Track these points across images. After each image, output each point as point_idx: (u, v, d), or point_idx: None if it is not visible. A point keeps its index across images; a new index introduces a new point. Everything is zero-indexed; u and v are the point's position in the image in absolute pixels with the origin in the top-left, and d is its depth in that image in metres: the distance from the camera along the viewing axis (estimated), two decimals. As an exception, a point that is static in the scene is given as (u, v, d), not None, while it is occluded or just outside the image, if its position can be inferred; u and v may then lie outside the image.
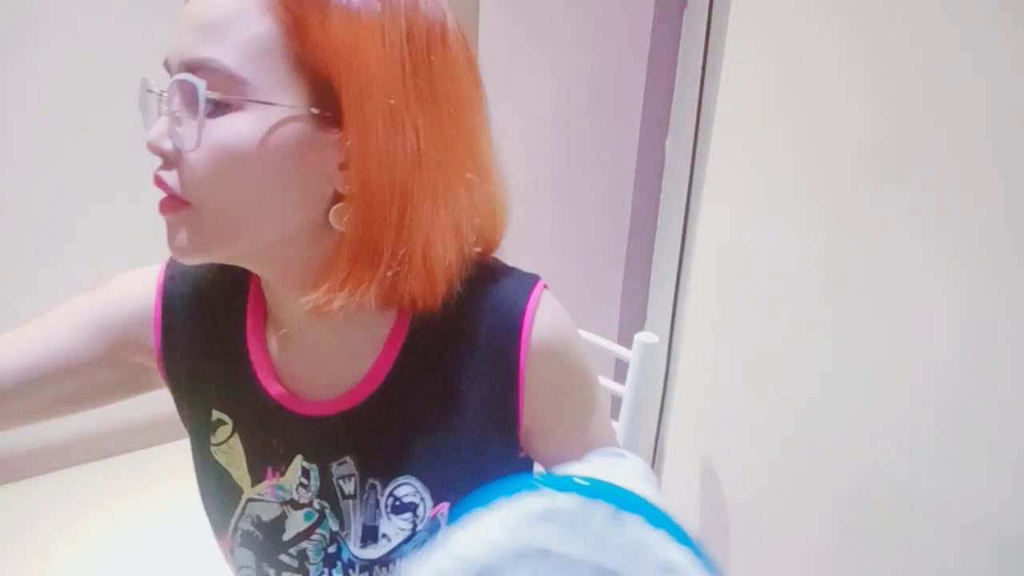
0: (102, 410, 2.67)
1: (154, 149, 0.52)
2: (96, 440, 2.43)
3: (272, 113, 0.50)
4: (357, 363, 0.63)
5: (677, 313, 1.67)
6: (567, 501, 0.40)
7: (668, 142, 1.67)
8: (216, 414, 0.66)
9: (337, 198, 0.55)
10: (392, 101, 0.51)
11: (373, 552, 0.63)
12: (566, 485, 0.43)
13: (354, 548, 0.64)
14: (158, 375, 0.70)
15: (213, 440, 0.67)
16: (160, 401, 2.74)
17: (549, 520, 0.39)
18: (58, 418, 0.68)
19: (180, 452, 2.78)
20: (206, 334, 0.66)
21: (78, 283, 2.47)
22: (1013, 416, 1.16)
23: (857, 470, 1.37)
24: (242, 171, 0.51)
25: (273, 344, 0.65)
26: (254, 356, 0.64)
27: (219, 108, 0.50)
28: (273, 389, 0.64)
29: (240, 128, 0.50)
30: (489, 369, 0.62)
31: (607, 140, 2.27)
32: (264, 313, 0.66)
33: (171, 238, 0.54)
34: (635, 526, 0.40)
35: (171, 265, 0.69)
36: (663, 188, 1.69)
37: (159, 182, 0.53)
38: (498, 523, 0.40)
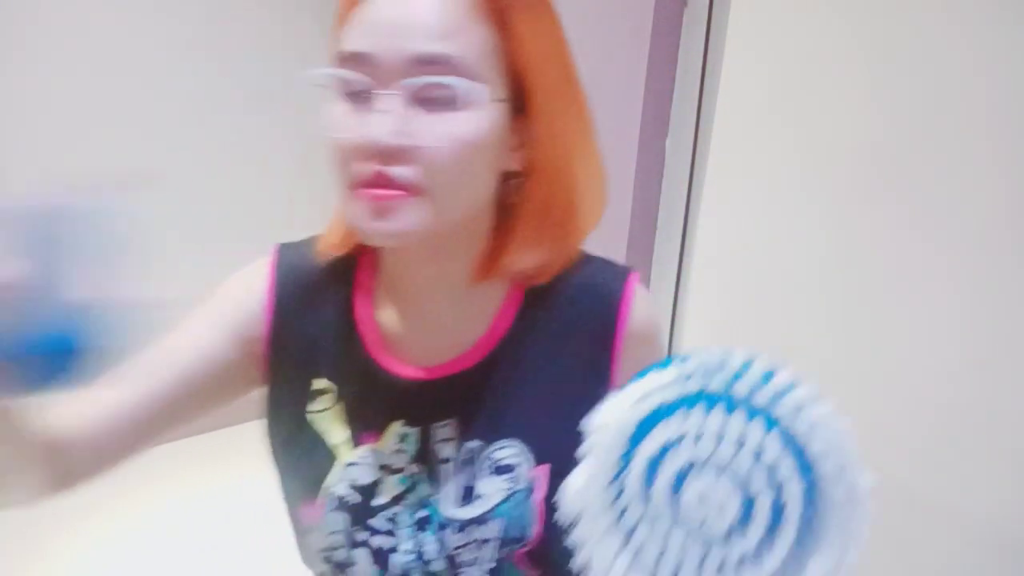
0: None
1: (385, 147, 0.54)
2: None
3: (492, 106, 0.57)
4: (469, 330, 0.68)
5: (677, 313, 1.67)
6: (691, 363, 0.42)
7: (668, 142, 1.67)
8: (319, 383, 0.69)
9: (506, 176, 0.63)
10: (561, 88, 0.61)
11: (471, 511, 0.66)
12: (685, 357, 0.45)
13: (450, 509, 0.67)
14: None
15: (311, 408, 0.69)
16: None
17: (683, 375, 0.41)
18: (195, 421, 0.72)
19: (180, 452, 2.80)
20: (315, 309, 0.70)
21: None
22: (1013, 416, 1.16)
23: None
24: (474, 159, 0.57)
25: (383, 314, 0.69)
26: (363, 326, 0.69)
27: (451, 103, 0.55)
28: (381, 357, 0.68)
29: (476, 121, 0.56)
30: (591, 344, 0.69)
31: (607, 140, 2.26)
32: (372, 286, 0.70)
33: (381, 223, 0.56)
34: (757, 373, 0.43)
35: (282, 252, 0.72)
36: (663, 188, 1.70)
37: (382, 177, 0.55)
38: (634, 391, 0.43)
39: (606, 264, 0.73)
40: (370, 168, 0.55)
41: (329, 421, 0.69)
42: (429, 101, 0.55)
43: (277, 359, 0.71)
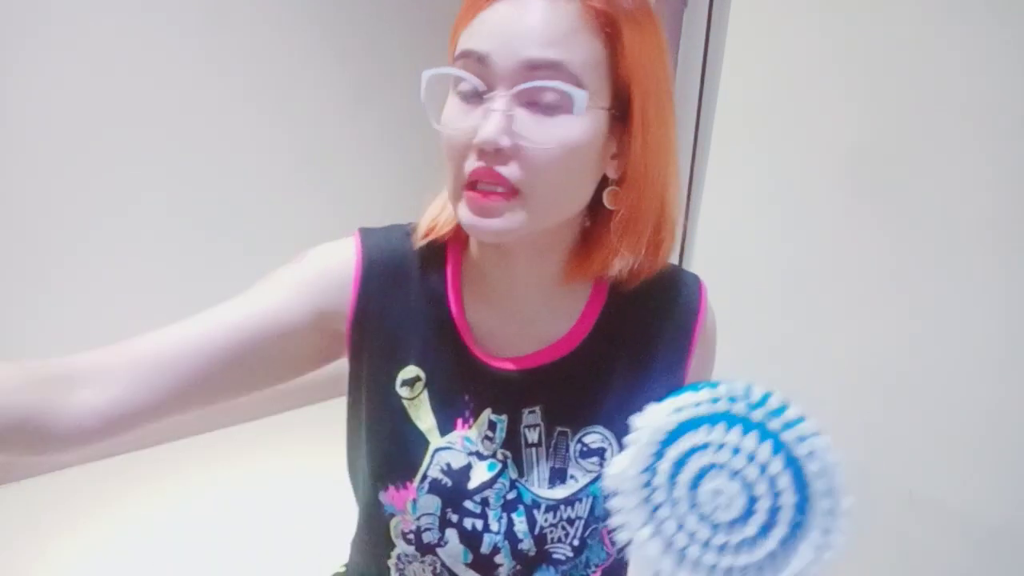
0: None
1: (492, 144, 0.57)
2: (96, 440, 2.43)
3: (597, 116, 0.60)
4: (557, 324, 0.73)
5: (677, 313, 1.66)
6: (721, 389, 0.52)
7: (668, 142, 1.66)
8: (410, 369, 0.72)
9: (603, 182, 0.66)
10: (662, 101, 0.63)
11: (560, 492, 0.71)
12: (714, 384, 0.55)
13: (539, 490, 0.71)
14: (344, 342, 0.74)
15: (405, 394, 0.72)
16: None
17: (712, 398, 0.51)
18: (257, 391, 0.72)
19: (180, 452, 2.78)
20: (403, 296, 0.72)
21: (79, 281, 2.44)
22: (1013, 415, 1.16)
23: (857, 469, 1.36)
24: (574, 164, 0.60)
25: (473, 306, 0.73)
26: (455, 317, 0.72)
27: (557, 108, 0.58)
28: (473, 347, 0.72)
29: (581, 128, 0.59)
30: (670, 343, 0.75)
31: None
32: (461, 278, 0.73)
33: (485, 220, 0.60)
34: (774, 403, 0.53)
35: (367, 235, 0.74)
36: (663, 188, 1.69)
37: (490, 174, 0.58)
38: (672, 404, 0.52)
39: (681, 270, 0.78)
40: (478, 165, 0.58)
41: (420, 407, 0.72)
42: (537, 104, 0.58)
43: (360, 339, 0.72)
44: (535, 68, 0.57)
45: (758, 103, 1.43)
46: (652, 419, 0.52)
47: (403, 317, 0.72)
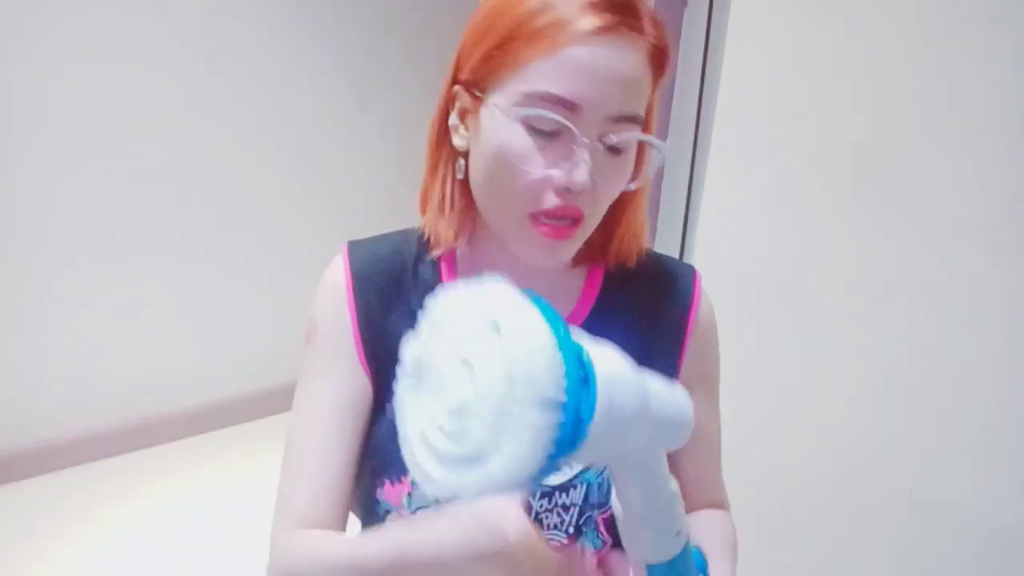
0: (102, 410, 2.67)
1: (585, 186, 0.61)
2: (96, 440, 2.43)
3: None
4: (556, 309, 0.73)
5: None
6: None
7: (668, 142, 1.67)
8: None
9: None
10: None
11: (555, 478, 0.72)
12: None
13: None
14: None
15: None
16: (159, 401, 2.74)
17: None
18: None
19: (180, 452, 2.79)
20: (403, 300, 0.74)
21: (75, 278, 2.44)
22: (1014, 415, 1.16)
23: (857, 470, 1.37)
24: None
25: None
26: None
27: (625, 151, 0.64)
28: None
29: (634, 164, 0.66)
30: (665, 330, 0.77)
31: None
32: (457, 272, 0.76)
33: (552, 253, 0.66)
34: None
35: (353, 248, 0.76)
36: (663, 188, 1.70)
37: (574, 211, 0.63)
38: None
39: (675, 261, 0.82)
40: (558, 203, 0.63)
41: None
42: (613, 150, 0.63)
43: (367, 336, 0.73)
44: (622, 120, 0.62)
45: (758, 103, 1.43)
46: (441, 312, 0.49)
47: (400, 318, 0.73)
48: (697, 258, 1.60)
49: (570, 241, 0.65)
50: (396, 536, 0.57)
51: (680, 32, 1.61)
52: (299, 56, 2.69)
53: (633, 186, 0.68)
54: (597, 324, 0.74)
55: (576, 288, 0.76)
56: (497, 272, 0.72)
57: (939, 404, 1.24)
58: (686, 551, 0.54)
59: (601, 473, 0.72)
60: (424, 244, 0.75)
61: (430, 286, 0.73)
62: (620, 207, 0.72)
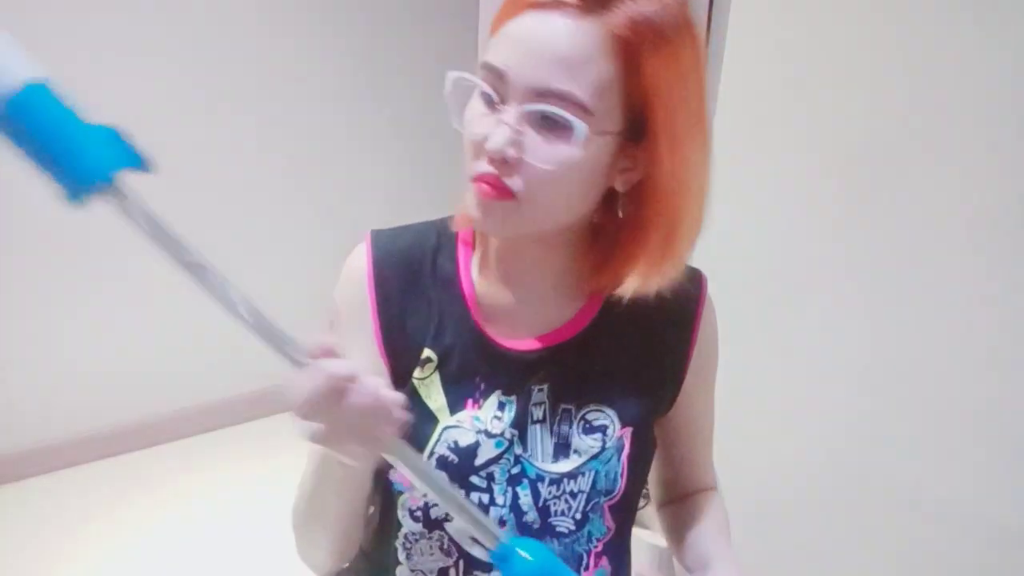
0: (102, 410, 2.67)
1: (498, 154, 0.61)
2: (97, 440, 2.43)
3: (603, 138, 0.63)
4: (565, 309, 0.77)
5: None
6: None
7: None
8: (427, 352, 0.75)
9: (611, 193, 0.69)
10: (685, 122, 0.64)
11: (564, 466, 0.74)
12: None
13: (543, 464, 0.74)
14: None
15: (417, 375, 0.75)
16: (159, 401, 2.74)
17: None
18: None
19: (179, 452, 2.79)
20: (422, 290, 0.76)
21: (76, 278, 2.43)
22: (1015, 415, 1.16)
23: (858, 469, 1.37)
24: (572, 182, 0.64)
25: (485, 290, 0.76)
26: (469, 299, 0.76)
27: (562, 130, 0.61)
28: (486, 328, 0.75)
29: (580, 150, 0.62)
30: (672, 333, 0.79)
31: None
32: (472, 263, 0.78)
33: (485, 217, 0.66)
34: None
35: (376, 236, 0.78)
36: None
37: (492, 178, 0.63)
38: None
39: (685, 265, 0.81)
40: (485, 168, 0.63)
41: (431, 387, 0.75)
42: (545, 123, 0.61)
43: (386, 321, 0.76)
44: (546, 95, 0.60)
45: (758, 103, 1.43)
46: None
47: (419, 309, 0.76)
48: (697, 258, 1.60)
49: (503, 211, 0.64)
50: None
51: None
52: (307, 48, 2.67)
53: (621, 188, 0.68)
54: (604, 324, 0.77)
55: (585, 292, 0.77)
56: (509, 263, 0.75)
57: (939, 403, 1.24)
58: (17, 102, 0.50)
59: (608, 462, 0.74)
60: (447, 235, 0.78)
61: (449, 278, 0.76)
62: (612, 232, 0.72)
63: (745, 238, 1.51)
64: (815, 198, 1.36)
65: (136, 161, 0.52)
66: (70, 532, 2.11)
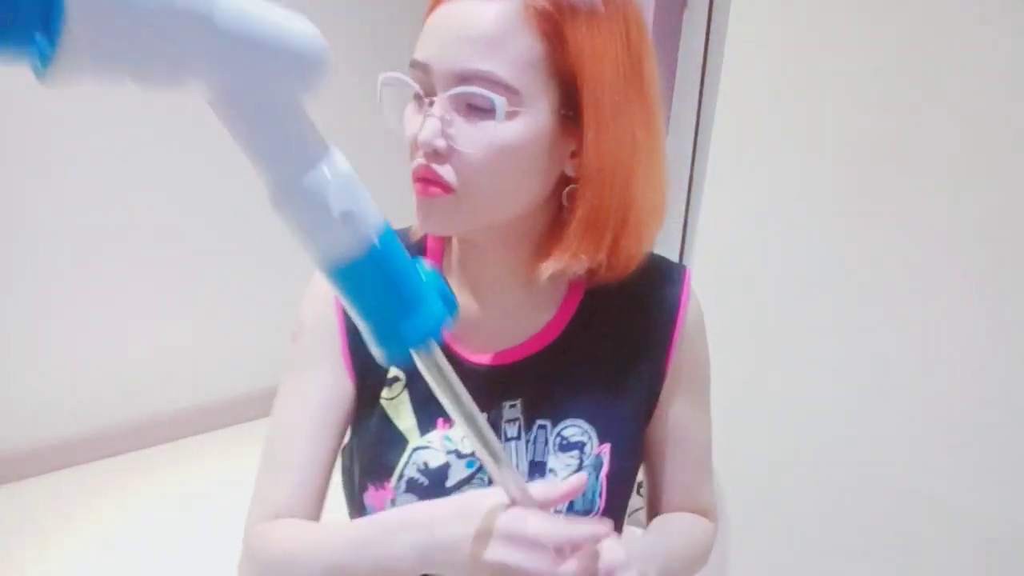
0: (102, 410, 2.66)
1: (427, 146, 0.59)
2: (96, 440, 2.43)
3: (535, 117, 0.60)
4: (534, 317, 0.73)
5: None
6: None
7: (668, 142, 1.67)
8: (393, 371, 0.73)
9: (563, 180, 0.65)
10: (619, 97, 0.61)
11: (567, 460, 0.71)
12: None
13: None
14: None
15: (385, 395, 0.73)
16: (157, 401, 2.74)
17: None
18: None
19: (179, 452, 2.78)
20: None
21: (76, 279, 2.42)
22: (1014, 416, 1.16)
23: (858, 470, 1.37)
24: (508, 167, 0.61)
25: None
26: None
27: (491, 113, 0.58)
28: (453, 343, 0.72)
29: (513, 131, 0.59)
30: (651, 336, 0.74)
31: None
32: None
33: (426, 216, 0.63)
34: None
35: None
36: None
37: (428, 171, 0.61)
38: None
39: (665, 261, 0.78)
40: (420, 163, 0.61)
41: (400, 407, 0.73)
42: (471, 110, 0.59)
43: (352, 353, 0.73)
44: (468, 78, 0.58)
45: (758, 103, 1.43)
46: None
47: None
48: (697, 258, 1.60)
49: (443, 207, 0.62)
50: (350, 531, 0.62)
51: (680, 33, 1.61)
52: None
53: (571, 172, 0.64)
54: (577, 333, 0.73)
55: (558, 294, 0.74)
56: (473, 270, 0.72)
57: (939, 403, 1.24)
58: (377, 251, 0.45)
59: (598, 479, 0.71)
60: (412, 247, 0.75)
61: None
62: (562, 221, 0.67)
63: (745, 238, 1.51)
64: (814, 198, 1.36)
65: (453, 307, 0.47)
66: (70, 532, 2.10)
